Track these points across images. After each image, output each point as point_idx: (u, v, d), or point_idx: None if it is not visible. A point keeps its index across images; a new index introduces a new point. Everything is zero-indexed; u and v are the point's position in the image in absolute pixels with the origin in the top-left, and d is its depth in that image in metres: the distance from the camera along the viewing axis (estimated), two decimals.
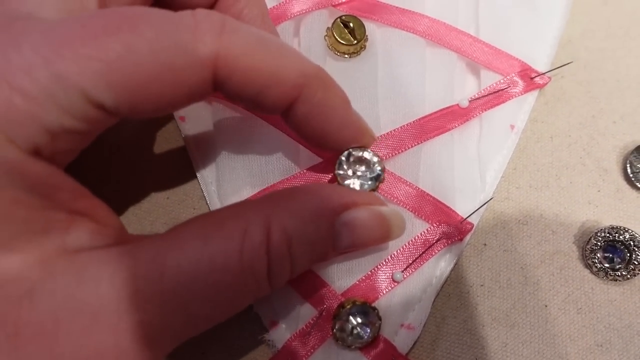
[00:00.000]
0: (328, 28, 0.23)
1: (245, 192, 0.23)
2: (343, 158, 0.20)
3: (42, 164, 0.14)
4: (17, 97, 0.13)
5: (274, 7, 0.24)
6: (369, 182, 0.20)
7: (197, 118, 0.24)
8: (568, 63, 0.25)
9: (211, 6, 0.20)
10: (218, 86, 0.16)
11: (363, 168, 0.20)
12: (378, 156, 0.21)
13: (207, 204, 0.23)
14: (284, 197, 0.18)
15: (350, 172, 0.20)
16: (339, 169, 0.20)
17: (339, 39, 0.23)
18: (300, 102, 0.18)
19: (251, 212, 0.17)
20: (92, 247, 0.15)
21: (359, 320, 0.20)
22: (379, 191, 0.21)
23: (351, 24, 0.23)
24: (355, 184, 0.20)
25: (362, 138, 0.20)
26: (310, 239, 0.17)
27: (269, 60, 0.16)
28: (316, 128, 0.18)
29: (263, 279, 0.16)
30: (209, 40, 0.15)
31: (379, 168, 0.20)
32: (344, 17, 0.23)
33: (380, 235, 0.20)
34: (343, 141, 0.20)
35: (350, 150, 0.20)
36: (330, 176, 0.22)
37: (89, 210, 0.16)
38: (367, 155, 0.20)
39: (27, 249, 0.14)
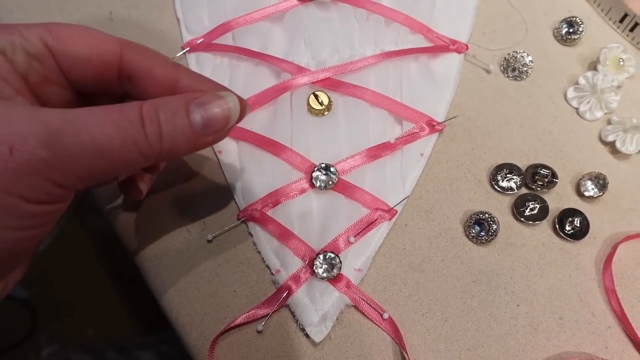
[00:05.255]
0: (307, 98, 0.37)
1: (259, 195, 0.35)
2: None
3: None
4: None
5: (282, 82, 0.37)
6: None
7: (228, 151, 0.37)
8: (455, 117, 0.38)
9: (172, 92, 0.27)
10: None
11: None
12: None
13: (237, 204, 0.36)
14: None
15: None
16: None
17: (312, 106, 0.36)
18: None
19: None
20: None
21: (328, 262, 0.32)
22: (340, 190, 0.35)
23: (319, 97, 0.36)
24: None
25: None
26: (172, 109, 0.24)
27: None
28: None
29: (138, 125, 0.23)
30: None
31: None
32: (315, 92, 0.36)
33: (222, 113, 0.25)
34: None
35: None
36: (307, 185, 0.35)
37: None
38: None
39: None
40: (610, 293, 0.34)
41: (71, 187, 0.23)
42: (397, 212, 0.35)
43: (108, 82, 0.27)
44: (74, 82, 0.27)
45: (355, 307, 0.33)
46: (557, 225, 0.35)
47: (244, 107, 0.27)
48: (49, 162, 0.22)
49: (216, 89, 0.28)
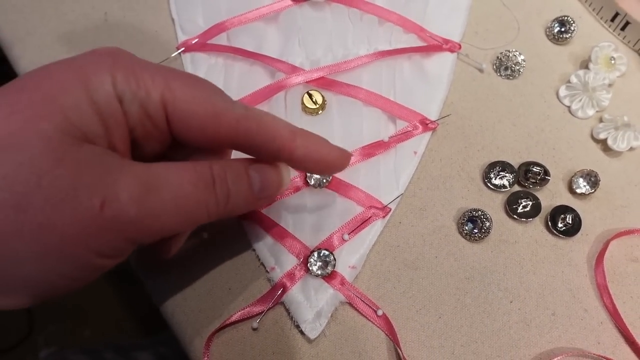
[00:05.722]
0: (302, 97, 0.37)
1: None
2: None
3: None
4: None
5: (276, 81, 0.37)
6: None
7: None
8: (448, 115, 0.38)
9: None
10: None
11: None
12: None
13: None
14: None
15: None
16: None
17: (306, 105, 0.37)
18: None
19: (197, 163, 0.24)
20: None
21: (323, 260, 0.33)
22: (334, 189, 0.35)
23: (313, 97, 0.37)
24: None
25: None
26: (237, 172, 0.25)
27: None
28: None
29: (210, 185, 0.24)
30: None
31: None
32: (309, 92, 0.37)
33: (277, 179, 0.27)
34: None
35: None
36: (301, 183, 0.35)
37: None
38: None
39: None
40: (602, 289, 0.34)
41: (141, 244, 0.23)
42: (390, 209, 0.35)
43: (217, 147, 0.26)
44: (180, 141, 0.26)
45: (350, 304, 0.33)
46: (549, 222, 0.35)
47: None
48: (133, 220, 0.21)
49: (334, 151, 0.27)
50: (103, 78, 0.22)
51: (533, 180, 0.36)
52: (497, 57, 0.41)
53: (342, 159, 0.28)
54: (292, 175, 0.36)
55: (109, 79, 0.22)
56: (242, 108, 0.25)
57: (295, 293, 0.33)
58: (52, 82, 0.22)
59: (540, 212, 0.36)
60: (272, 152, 0.26)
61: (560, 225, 0.35)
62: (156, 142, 0.25)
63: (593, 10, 0.43)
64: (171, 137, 0.25)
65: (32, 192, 0.20)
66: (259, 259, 0.34)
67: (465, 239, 0.35)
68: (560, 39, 0.42)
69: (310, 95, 0.37)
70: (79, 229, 0.20)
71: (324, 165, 0.27)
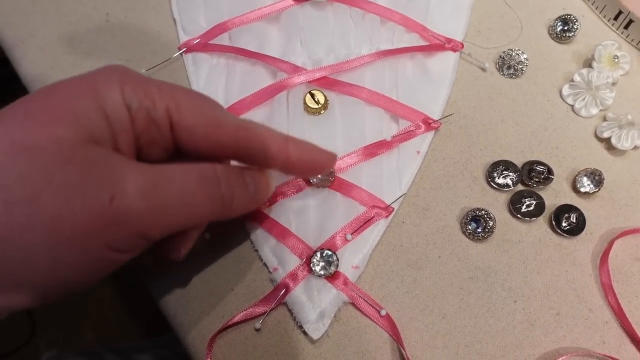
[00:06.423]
0: (304, 97, 0.37)
1: None
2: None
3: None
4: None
5: (278, 81, 0.37)
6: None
7: None
8: (451, 114, 0.38)
9: None
10: None
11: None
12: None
13: None
14: None
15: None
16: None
17: (308, 105, 0.36)
18: None
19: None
20: None
21: (326, 260, 0.33)
22: (337, 188, 0.35)
23: (316, 96, 0.37)
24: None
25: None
26: (237, 174, 0.27)
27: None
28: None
29: (216, 184, 0.25)
30: None
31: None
32: (311, 91, 0.37)
33: (267, 183, 0.29)
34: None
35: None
36: (303, 183, 0.35)
37: None
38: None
39: None
40: (607, 288, 0.34)
41: (151, 239, 0.24)
42: (393, 209, 0.35)
43: (217, 156, 0.27)
44: (184, 150, 0.27)
45: (353, 304, 0.33)
46: (553, 222, 0.35)
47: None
48: (142, 213, 0.22)
49: (322, 154, 0.30)
50: (112, 88, 0.24)
51: (537, 180, 0.36)
52: (500, 56, 0.41)
53: (330, 159, 0.30)
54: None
55: (117, 89, 0.24)
56: (239, 119, 0.27)
57: (298, 293, 0.33)
58: (65, 91, 0.23)
59: (544, 211, 0.36)
60: (268, 156, 0.27)
61: (564, 224, 0.35)
62: (161, 149, 0.26)
63: (596, 8, 0.43)
64: (174, 145, 0.26)
65: (44, 188, 0.21)
66: (262, 260, 0.34)
67: (469, 238, 0.35)
68: (563, 38, 0.41)
69: (312, 95, 0.37)
70: (89, 222, 0.21)
71: (316, 166, 0.30)
